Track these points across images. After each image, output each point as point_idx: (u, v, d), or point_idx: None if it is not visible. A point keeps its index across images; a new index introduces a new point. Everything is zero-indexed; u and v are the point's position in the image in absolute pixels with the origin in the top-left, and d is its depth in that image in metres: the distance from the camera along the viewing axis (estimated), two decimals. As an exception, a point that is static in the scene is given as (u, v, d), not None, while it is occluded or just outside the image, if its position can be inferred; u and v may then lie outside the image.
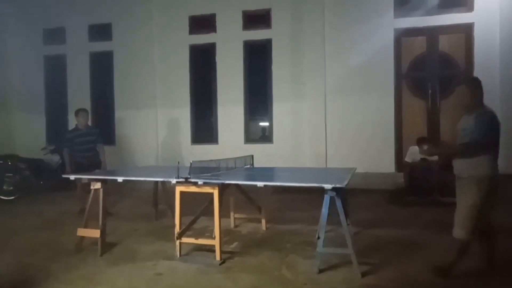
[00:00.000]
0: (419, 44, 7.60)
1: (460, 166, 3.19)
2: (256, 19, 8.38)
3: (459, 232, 3.15)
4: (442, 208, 5.77)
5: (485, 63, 7.11)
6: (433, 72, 7.51)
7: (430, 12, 7.38)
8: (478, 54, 7.19)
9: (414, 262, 3.61)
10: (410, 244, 4.19)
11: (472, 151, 3.06)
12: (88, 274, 3.52)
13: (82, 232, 4.17)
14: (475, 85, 3.22)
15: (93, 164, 5.91)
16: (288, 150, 8.03)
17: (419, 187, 6.40)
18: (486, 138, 3.01)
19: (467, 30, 7.28)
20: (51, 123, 9.66)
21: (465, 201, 3.10)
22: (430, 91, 7.52)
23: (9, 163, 7.65)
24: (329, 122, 7.88)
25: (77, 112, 6.09)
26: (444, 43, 7.47)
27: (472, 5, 7.20)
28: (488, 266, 3.33)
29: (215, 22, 8.57)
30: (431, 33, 7.47)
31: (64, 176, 4.50)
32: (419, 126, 7.46)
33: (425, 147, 3.16)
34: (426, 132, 7.38)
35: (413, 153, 6.55)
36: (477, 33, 7.19)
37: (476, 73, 7.18)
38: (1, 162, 7.57)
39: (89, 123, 6.38)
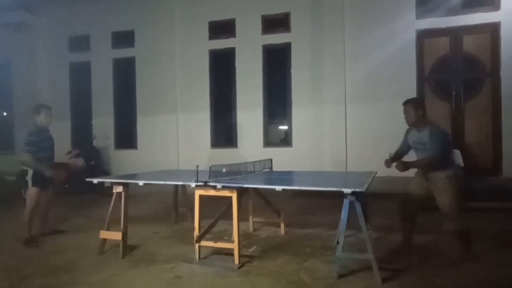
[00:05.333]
0: (443, 45, 7.41)
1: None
2: (275, 23, 8.39)
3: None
4: (468, 213, 5.59)
5: (512, 64, 6.89)
6: (457, 74, 7.31)
7: (453, 12, 7.19)
8: (505, 55, 6.95)
9: (437, 269, 3.51)
10: (434, 250, 4.07)
11: (433, 164, 3.68)
12: (110, 276, 3.58)
13: (104, 234, 4.25)
14: (418, 104, 3.81)
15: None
16: (307, 154, 7.97)
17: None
18: (443, 153, 3.66)
19: (493, 29, 7.05)
20: (76, 128, 9.95)
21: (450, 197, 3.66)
22: (454, 94, 7.31)
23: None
24: (349, 125, 7.78)
25: (39, 109, 4.87)
26: (469, 44, 7.26)
27: (498, 3, 6.97)
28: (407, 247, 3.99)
29: (234, 27, 8.65)
30: (455, 33, 7.28)
31: (87, 180, 4.61)
32: (443, 129, 7.25)
33: (395, 164, 3.79)
34: (450, 135, 7.17)
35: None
36: (503, 32, 6.95)
37: (503, 73, 6.97)
38: (29, 166, 7.83)
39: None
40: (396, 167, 3.71)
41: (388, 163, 3.95)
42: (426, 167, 3.74)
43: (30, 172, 4.74)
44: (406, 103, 3.86)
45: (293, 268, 3.67)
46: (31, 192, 4.77)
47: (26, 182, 4.73)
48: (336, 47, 7.82)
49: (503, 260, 3.73)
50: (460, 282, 3.23)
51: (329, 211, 5.48)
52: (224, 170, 4.08)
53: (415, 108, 3.78)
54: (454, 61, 7.34)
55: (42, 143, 4.80)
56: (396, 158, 3.99)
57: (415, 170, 3.93)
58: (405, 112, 3.85)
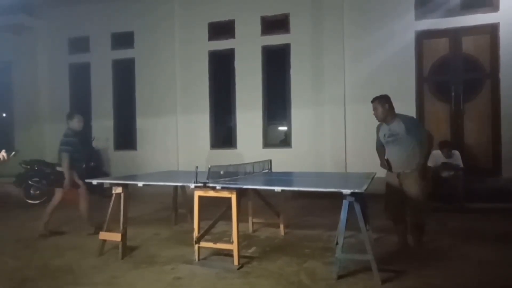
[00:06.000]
0: (442, 46, 7.42)
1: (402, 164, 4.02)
2: (275, 24, 8.41)
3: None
4: (468, 214, 5.60)
5: (511, 64, 6.88)
6: (457, 75, 7.32)
7: (452, 13, 7.21)
8: (504, 55, 6.97)
9: (437, 270, 3.51)
10: (434, 251, 4.07)
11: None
12: (110, 277, 3.58)
13: (104, 235, 4.25)
14: (385, 100, 4.08)
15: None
16: (307, 155, 7.98)
17: (444, 193, 6.21)
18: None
19: (492, 30, 7.07)
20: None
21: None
22: (453, 94, 7.32)
23: (36, 168, 7.91)
24: (348, 126, 7.79)
25: (72, 115, 5.33)
26: (468, 45, 7.27)
27: (497, 4, 7.00)
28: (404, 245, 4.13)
29: (233, 28, 8.66)
30: (454, 34, 7.29)
31: (87, 181, 4.61)
32: (442, 130, 7.26)
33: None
34: (450, 136, 7.18)
35: (435, 157, 6.38)
36: (502, 33, 6.97)
37: (502, 74, 6.98)
38: (28, 167, 7.84)
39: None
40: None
41: (385, 166, 4.22)
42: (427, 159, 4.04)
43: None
44: (373, 100, 4.13)
45: (293, 269, 3.66)
46: (85, 189, 5.16)
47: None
48: (335, 48, 7.82)
49: (503, 260, 3.73)
50: (460, 282, 3.23)
51: (329, 212, 5.48)
52: (222, 172, 4.08)
53: (382, 104, 4.06)
54: (453, 62, 7.35)
55: (77, 145, 5.21)
56: (384, 158, 4.26)
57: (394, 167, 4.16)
58: (374, 109, 4.13)
